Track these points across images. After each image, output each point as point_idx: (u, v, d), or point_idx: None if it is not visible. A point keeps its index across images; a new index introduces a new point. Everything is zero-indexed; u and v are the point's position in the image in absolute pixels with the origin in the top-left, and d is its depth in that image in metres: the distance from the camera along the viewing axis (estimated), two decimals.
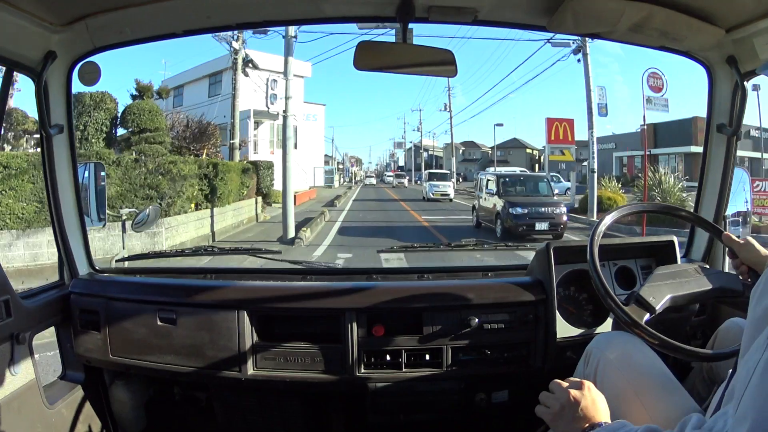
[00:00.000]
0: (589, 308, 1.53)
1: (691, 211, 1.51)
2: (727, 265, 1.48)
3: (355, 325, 1.43)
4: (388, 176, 49.02)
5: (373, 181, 53.07)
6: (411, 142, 57.30)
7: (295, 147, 23.44)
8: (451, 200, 20.98)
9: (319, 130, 34.39)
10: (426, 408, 1.52)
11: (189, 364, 1.45)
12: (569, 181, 19.78)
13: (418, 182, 38.92)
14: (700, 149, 1.70)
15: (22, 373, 1.34)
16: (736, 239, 1.23)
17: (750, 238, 1.22)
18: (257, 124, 23.87)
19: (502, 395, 1.58)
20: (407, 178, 43.58)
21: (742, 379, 0.65)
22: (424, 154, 53.41)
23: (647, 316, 1.14)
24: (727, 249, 1.29)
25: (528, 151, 54.01)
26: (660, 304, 1.16)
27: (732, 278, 1.27)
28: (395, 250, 1.87)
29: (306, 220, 12.51)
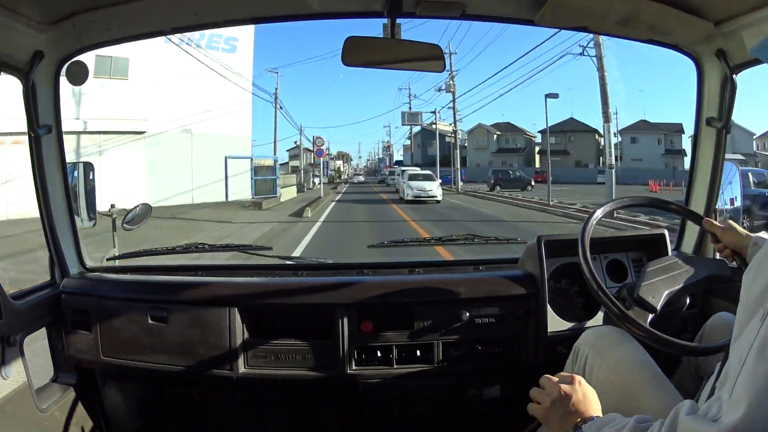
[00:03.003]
0: (580, 301, 1.53)
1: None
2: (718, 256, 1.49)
3: (346, 320, 1.43)
4: (414, 177, 20.34)
5: (362, 178, 42.02)
6: (433, 111, 32.02)
7: None
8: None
9: (240, 71, 15.97)
10: (418, 404, 1.53)
11: (180, 363, 1.45)
12: None
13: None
14: None
15: (14, 377, 1.33)
16: (717, 223, 1.25)
17: (731, 222, 1.23)
18: None
19: (494, 391, 1.59)
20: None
21: (735, 363, 0.65)
22: (438, 143, 32.06)
23: (651, 316, 1.14)
24: (709, 234, 1.30)
25: (596, 137, 36.89)
26: (660, 303, 1.16)
27: (720, 264, 1.28)
28: (386, 245, 1.87)
29: None
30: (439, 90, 28.74)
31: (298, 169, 23.78)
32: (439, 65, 1.34)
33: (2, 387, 1.29)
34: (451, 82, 27.85)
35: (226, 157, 16.64)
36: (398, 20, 1.32)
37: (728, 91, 1.47)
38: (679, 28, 1.38)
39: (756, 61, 1.40)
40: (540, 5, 1.27)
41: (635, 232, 1.66)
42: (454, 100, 28.22)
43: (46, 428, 1.42)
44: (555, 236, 1.54)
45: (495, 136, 43.73)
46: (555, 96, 19.07)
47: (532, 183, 28.11)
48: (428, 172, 22.78)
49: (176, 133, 15.64)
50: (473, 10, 1.36)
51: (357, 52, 1.30)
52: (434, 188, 18.59)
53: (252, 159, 18.31)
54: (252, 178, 17.83)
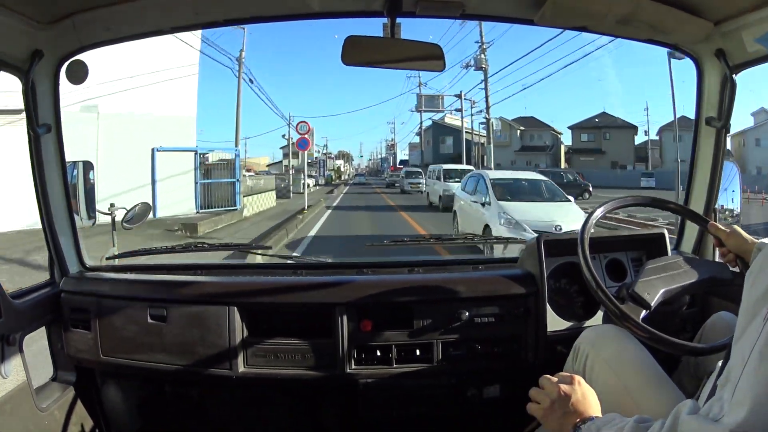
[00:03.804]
0: (580, 300, 1.54)
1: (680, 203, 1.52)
2: (717, 256, 1.49)
3: (345, 319, 1.44)
4: (504, 187, 7.52)
5: (364, 180, 37.24)
6: (457, 95, 24.82)
7: None
8: None
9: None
10: (418, 403, 1.53)
11: (180, 363, 1.45)
12: None
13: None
14: None
15: (13, 376, 1.33)
16: (722, 228, 1.24)
17: (736, 227, 1.23)
18: None
19: (494, 390, 1.59)
20: None
21: (737, 364, 0.65)
22: (450, 140, 26.79)
23: (644, 312, 1.14)
24: (710, 236, 1.30)
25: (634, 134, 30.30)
26: (655, 300, 1.16)
27: (721, 267, 1.28)
28: (385, 244, 1.87)
29: None
30: (467, 66, 21.60)
31: (291, 168, 18.57)
32: (439, 64, 1.34)
33: (2, 386, 1.29)
34: (482, 56, 20.46)
35: (153, 150, 10.56)
36: (398, 19, 1.33)
37: (728, 91, 1.47)
38: (678, 28, 1.38)
39: (756, 61, 1.41)
40: (540, 4, 1.28)
41: (635, 232, 1.66)
42: (486, 80, 20.56)
43: (45, 427, 1.42)
44: (554, 235, 1.54)
45: (518, 132, 36.39)
46: (681, 57, 15.95)
47: (590, 189, 21.29)
48: (534, 174, 9.28)
49: (73, 112, 9.30)
50: (473, 10, 1.37)
51: (357, 52, 1.30)
52: (569, 218, 6.81)
53: (198, 152, 11.73)
54: (196, 182, 11.42)
